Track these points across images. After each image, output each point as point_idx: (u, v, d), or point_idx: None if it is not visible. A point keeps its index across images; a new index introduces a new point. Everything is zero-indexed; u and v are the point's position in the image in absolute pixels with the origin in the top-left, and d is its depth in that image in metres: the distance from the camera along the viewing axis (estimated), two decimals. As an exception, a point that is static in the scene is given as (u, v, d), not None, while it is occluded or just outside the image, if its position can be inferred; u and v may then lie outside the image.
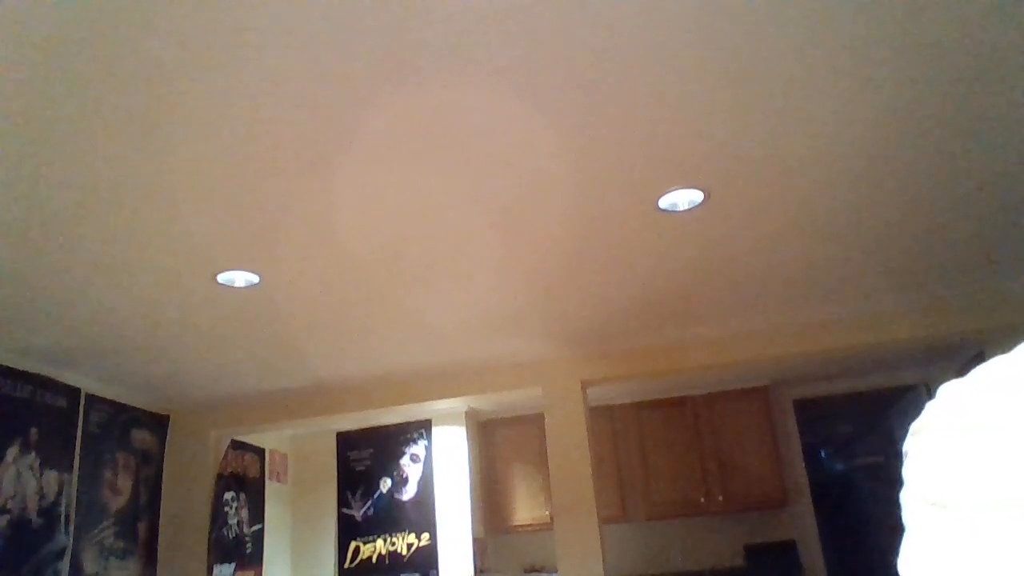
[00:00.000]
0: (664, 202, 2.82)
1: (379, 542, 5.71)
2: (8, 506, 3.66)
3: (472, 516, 5.60)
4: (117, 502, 4.47)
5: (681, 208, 2.88)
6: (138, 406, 4.76)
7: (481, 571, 5.57)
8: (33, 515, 3.81)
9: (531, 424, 5.92)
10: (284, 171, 2.40)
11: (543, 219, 2.90)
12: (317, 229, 2.82)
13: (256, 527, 5.48)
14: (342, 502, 5.89)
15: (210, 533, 4.88)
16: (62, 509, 4.01)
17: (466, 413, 5.83)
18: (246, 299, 3.40)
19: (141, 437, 4.77)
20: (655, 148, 2.45)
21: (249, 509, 5.41)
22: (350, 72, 1.96)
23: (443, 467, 5.75)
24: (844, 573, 6.89)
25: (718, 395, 5.94)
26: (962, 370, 5.63)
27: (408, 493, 5.75)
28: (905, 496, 0.51)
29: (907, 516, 0.50)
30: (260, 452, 5.70)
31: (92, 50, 1.80)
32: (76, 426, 4.19)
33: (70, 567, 4.02)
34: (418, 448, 5.82)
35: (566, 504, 4.54)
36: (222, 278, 3.15)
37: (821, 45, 2.01)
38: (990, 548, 0.44)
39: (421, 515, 5.67)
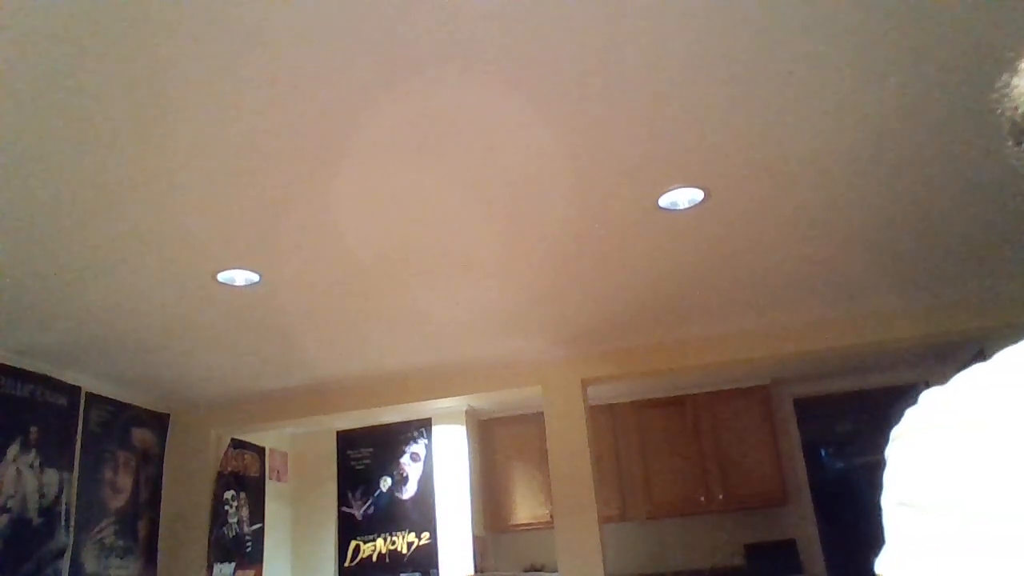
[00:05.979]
0: (664, 201, 2.82)
1: (379, 541, 5.71)
2: (8, 505, 3.66)
3: (472, 515, 5.60)
4: (117, 501, 4.47)
5: (681, 207, 2.88)
6: (138, 405, 4.76)
7: (481, 570, 5.57)
8: (33, 514, 3.81)
9: (531, 423, 5.91)
10: (284, 170, 2.40)
11: (543, 218, 2.90)
12: (317, 228, 2.81)
13: (256, 526, 5.48)
14: (342, 501, 5.90)
15: (210, 532, 4.88)
16: (62, 508, 4.01)
17: (466, 412, 5.83)
18: (246, 298, 3.40)
19: (141, 436, 4.77)
20: (655, 147, 2.45)
21: (249, 508, 5.41)
22: (351, 71, 1.96)
23: (443, 466, 5.75)
24: (844, 572, 6.89)
25: (718, 394, 5.93)
26: (962, 370, 5.62)
27: (408, 492, 5.76)
28: (883, 500, 0.52)
29: (884, 519, 0.51)
30: (260, 451, 5.70)
31: (93, 49, 1.80)
32: (76, 425, 4.19)
33: (70, 566, 4.02)
34: (418, 447, 5.83)
35: (566, 503, 4.54)
36: (222, 276, 3.15)
37: (821, 44, 2.01)
38: (961, 546, 0.44)
39: (421, 514, 5.67)
